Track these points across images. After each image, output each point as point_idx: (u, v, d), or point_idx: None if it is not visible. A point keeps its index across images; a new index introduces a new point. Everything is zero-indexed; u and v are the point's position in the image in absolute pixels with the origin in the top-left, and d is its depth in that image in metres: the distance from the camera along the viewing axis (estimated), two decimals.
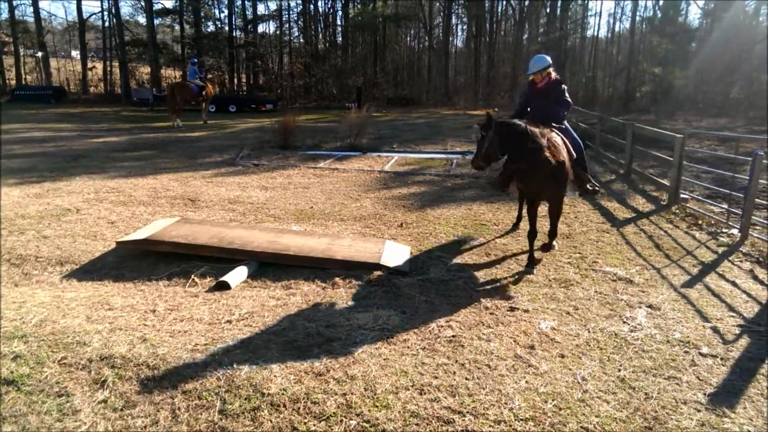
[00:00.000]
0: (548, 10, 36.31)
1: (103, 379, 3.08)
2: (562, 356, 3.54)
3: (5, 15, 34.97)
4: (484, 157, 4.86)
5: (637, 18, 36.18)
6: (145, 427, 2.73)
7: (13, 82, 33.39)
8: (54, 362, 3.22)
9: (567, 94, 5.60)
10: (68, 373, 3.14)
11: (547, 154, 4.94)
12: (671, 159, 8.14)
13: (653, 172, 9.91)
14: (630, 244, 6.12)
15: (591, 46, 40.77)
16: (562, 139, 5.33)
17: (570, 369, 3.38)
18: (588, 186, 5.76)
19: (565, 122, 5.67)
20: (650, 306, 4.41)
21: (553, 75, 5.66)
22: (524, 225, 6.14)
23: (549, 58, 5.70)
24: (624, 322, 4.09)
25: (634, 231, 6.69)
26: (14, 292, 4.46)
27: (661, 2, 33.46)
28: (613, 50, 41.34)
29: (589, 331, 3.92)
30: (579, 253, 5.75)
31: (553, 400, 3.03)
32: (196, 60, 21.00)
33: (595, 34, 43.35)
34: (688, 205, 7.75)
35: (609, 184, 9.75)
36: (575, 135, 5.67)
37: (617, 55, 40.14)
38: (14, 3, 33.23)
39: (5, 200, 7.50)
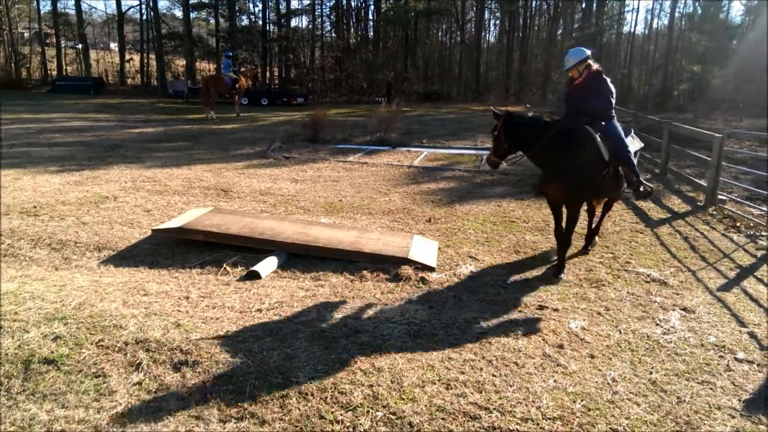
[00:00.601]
0: (583, 6, 35.59)
1: (138, 361, 3.17)
2: (592, 356, 3.50)
3: (48, 8, 36.08)
4: (494, 151, 4.82)
5: (676, 14, 35.21)
6: (178, 410, 2.80)
7: (55, 73, 34.37)
8: (92, 344, 3.33)
9: (608, 85, 4.98)
10: (105, 354, 3.24)
11: (554, 145, 4.67)
12: (709, 159, 7.92)
13: (690, 172, 9.66)
14: (665, 245, 5.99)
15: (627, 42, 39.83)
16: (591, 136, 4.80)
17: (600, 370, 3.34)
18: (640, 188, 5.05)
19: (613, 120, 5.05)
20: (685, 309, 4.31)
21: (594, 66, 5.03)
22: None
23: (587, 51, 5.06)
24: (657, 325, 4.01)
25: (669, 232, 6.54)
26: (55, 276, 4.62)
27: None
28: (649, 47, 40.30)
29: (620, 333, 3.86)
30: (611, 253, 5.66)
31: (582, 400, 2.99)
32: (231, 53, 21.26)
33: (632, 30, 42.26)
34: (725, 206, 7.53)
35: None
36: (620, 132, 5.02)
37: (654, 52, 39.12)
38: None
39: (47, 187, 7.76)
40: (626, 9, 39.70)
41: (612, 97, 5.00)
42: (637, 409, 2.95)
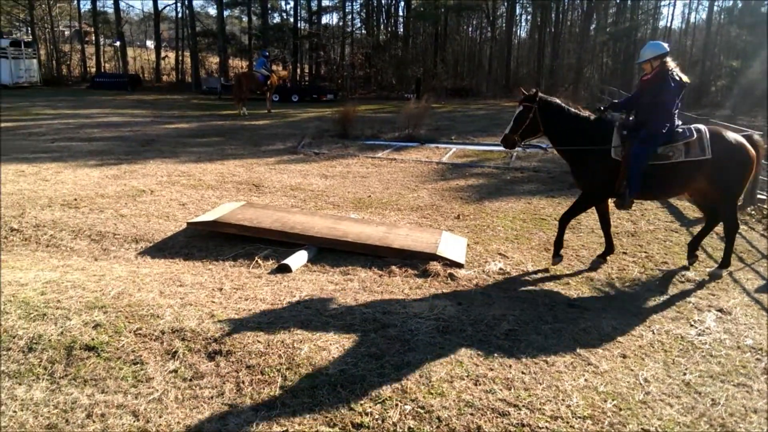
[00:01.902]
0: (618, 0, 34.82)
1: (174, 350, 3.27)
2: (624, 356, 3.46)
3: (88, 6, 37.11)
4: (522, 132, 4.84)
5: (715, 8, 34.11)
6: (212, 397, 2.88)
7: (93, 70, 35.37)
8: (130, 332, 3.44)
9: (665, 92, 4.64)
10: (143, 342, 3.35)
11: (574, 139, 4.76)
12: None
13: None
14: (700, 245, 5.84)
15: (663, 37, 38.78)
16: (621, 138, 4.71)
17: (632, 370, 3.30)
18: (623, 204, 4.90)
19: (651, 134, 4.67)
20: (720, 310, 4.21)
21: (670, 64, 4.70)
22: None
23: (665, 46, 4.78)
24: (691, 325, 3.94)
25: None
26: (94, 266, 4.78)
27: None
28: (686, 42, 39.19)
29: (653, 333, 3.80)
30: (645, 252, 5.56)
31: (613, 400, 2.97)
32: (267, 52, 21.58)
33: (668, 24, 41.18)
34: (765, 206, 7.31)
35: None
36: (642, 154, 4.65)
37: (691, 47, 38.02)
38: None
39: (86, 180, 8.02)
40: (662, 3, 38.73)
41: (668, 106, 4.67)
42: (669, 410, 2.91)
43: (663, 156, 4.69)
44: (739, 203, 4.94)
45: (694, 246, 5.23)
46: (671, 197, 5.33)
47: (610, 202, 5.08)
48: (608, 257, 5.21)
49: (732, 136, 4.77)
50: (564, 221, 5.10)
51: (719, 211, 4.96)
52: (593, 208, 5.17)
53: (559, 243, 5.12)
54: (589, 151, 4.79)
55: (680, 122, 4.84)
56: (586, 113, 4.91)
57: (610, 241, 5.22)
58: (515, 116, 4.88)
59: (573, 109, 4.87)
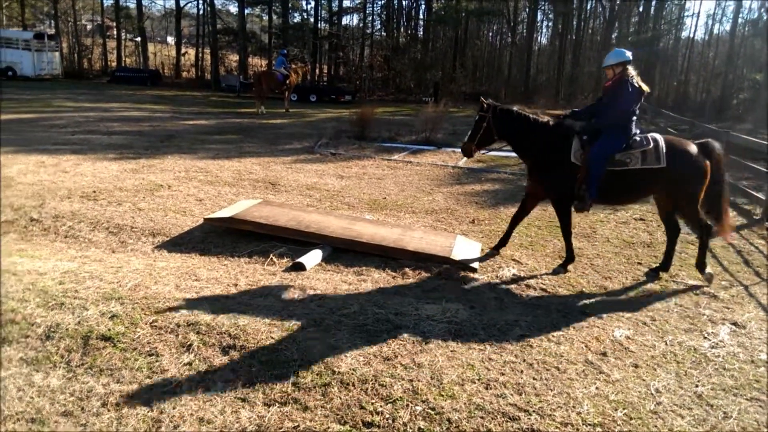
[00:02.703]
0: (641, 9, 34.52)
1: (189, 343, 3.31)
2: (636, 366, 3.44)
3: (111, 1, 37.63)
4: (479, 141, 5.08)
5: (739, 20, 33.69)
6: (225, 391, 2.92)
7: (114, 64, 35.87)
8: (146, 324, 3.49)
9: (624, 97, 4.79)
10: (158, 335, 3.40)
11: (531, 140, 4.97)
12: None
13: (747, 184, 9.26)
14: (716, 258, 5.79)
15: (686, 48, 38.39)
16: (581, 143, 4.86)
17: (643, 380, 3.28)
18: (582, 207, 5.03)
19: (614, 136, 4.82)
20: (735, 323, 4.17)
21: (631, 72, 4.87)
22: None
23: (628, 54, 4.91)
24: (705, 338, 3.91)
25: (721, 244, 6.31)
26: (112, 258, 4.86)
27: (767, 4, 30.97)
28: (709, 53, 38.73)
29: (666, 344, 3.78)
30: (660, 263, 5.50)
31: (623, 409, 2.95)
32: (286, 51, 21.75)
33: (691, 35, 40.64)
34: None
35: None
36: (599, 159, 4.78)
37: (714, 58, 37.56)
38: None
39: (105, 173, 8.14)
40: (686, 14, 38.35)
41: (625, 111, 4.80)
42: (681, 421, 2.89)
43: (620, 162, 4.81)
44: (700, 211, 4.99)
45: (667, 257, 5.25)
46: (630, 203, 5.44)
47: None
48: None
49: (686, 146, 4.88)
50: (566, 234, 5.21)
51: (685, 220, 5.13)
52: (566, 210, 5.20)
53: (570, 252, 5.23)
54: (550, 156, 4.98)
55: (638, 131, 4.95)
56: (544, 119, 5.09)
57: (508, 236, 5.56)
58: (473, 126, 5.12)
59: (531, 116, 5.07)
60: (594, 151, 4.80)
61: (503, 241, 5.56)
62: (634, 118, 4.90)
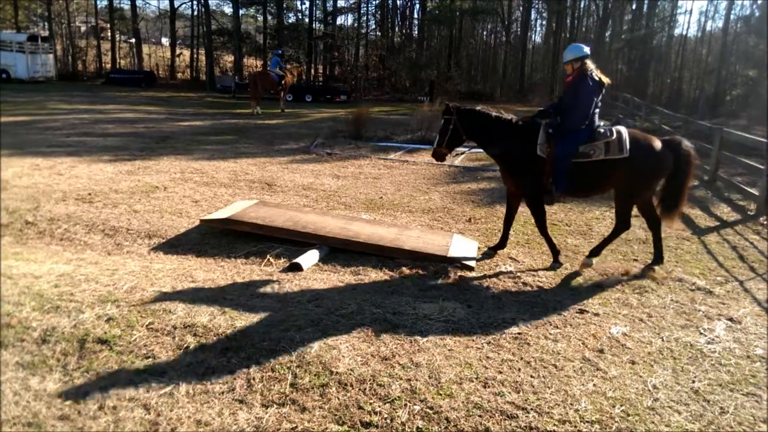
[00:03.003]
0: (634, 7, 34.60)
1: (186, 345, 3.31)
2: (633, 363, 3.45)
3: (105, 3, 37.51)
4: (448, 143, 5.15)
5: (732, 17, 33.78)
6: (222, 392, 2.91)
7: (109, 66, 35.72)
8: (142, 326, 3.48)
9: (583, 91, 4.87)
10: (155, 337, 3.39)
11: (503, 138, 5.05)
12: (762, 167, 7.63)
13: (741, 180, 9.30)
14: (711, 254, 5.82)
15: (679, 45, 38.50)
16: (547, 136, 4.95)
17: (640, 376, 3.29)
18: (548, 198, 5.14)
19: (578, 133, 4.91)
20: (730, 319, 4.19)
21: (590, 66, 4.95)
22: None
23: (585, 49, 5.03)
24: (701, 334, 3.92)
25: (716, 240, 6.35)
26: (107, 260, 4.84)
27: (759, 0, 31.08)
28: (702, 50, 38.83)
29: (662, 340, 3.79)
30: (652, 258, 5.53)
31: (621, 406, 2.96)
32: (281, 51, 21.71)
33: (684, 32, 40.81)
34: None
35: (692, 190, 9.24)
36: (565, 151, 4.88)
37: (707, 55, 37.68)
38: None
39: (101, 175, 8.11)
40: (678, 11, 38.44)
41: (587, 105, 4.87)
42: (678, 417, 2.91)
43: (584, 154, 4.90)
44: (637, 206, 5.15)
45: (657, 250, 5.30)
46: (596, 194, 5.59)
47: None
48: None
49: (650, 139, 4.97)
50: (542, 229, 5.29)
51: (620, 207, 5.17)
52: (539, 205, 5.25)
53: (552, 247, 5.33)
54: (518, 151, 5.06)
55: (602, 122, 5.05)
56: (508, 116, 5.18)
57: (505, 238, 5.56)
58: (439, 130, 5.23)
59: (494, 113, 5.15)
60: (559, 143, 4.90)
61: (501, 244, 5.57)
62: (597, 110, 4.99)
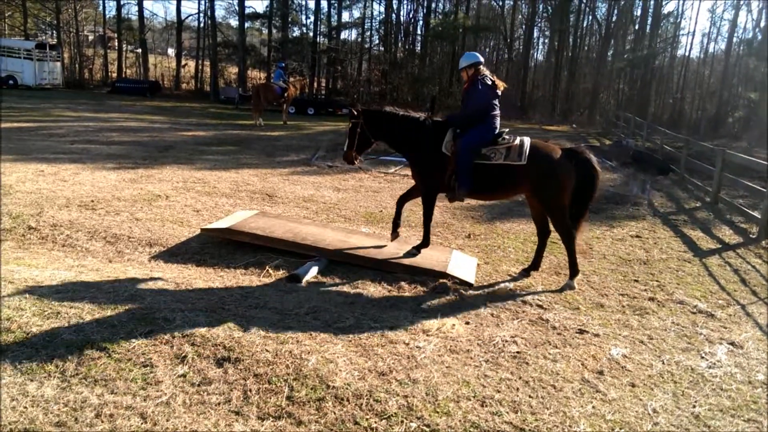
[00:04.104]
0: (636, 27, 34.92)
1: (183, 354, 3.29)
2: (633, 385, 3.43)
3: (113, 13, 37.87)
4: (357, 147, 5.31)
5: (734, 39, 34.12)
6: (219, 403, 2.89)
7: (115, 75, 35.96)
8: (141, 335, 3.47)
9: (476, 95, 5.11)
10: (153, 346, 3.37)
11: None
12: (764, 190, 7.65)
13: (743, 202, 9.32)
14: (713, 277, 5.81)
15: (681, 66, 38.81)
16: (453, 137, 5.14)
17: (640, 399, 3.27)
18: (451, 195, 5.32)
19: (477, 129, 5.10)
20: (732, 343, 4.17)
21: (484, 72, 5.22)
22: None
23: (478, 56, 5.32)
24: (702, 357, 3.90)
25: (718, 263, 6.34)
26: (108, 268, 4.84)
27: (762, 24, 31.39)
28: (704, 71, 39.15)
29: (663, 363, 3.77)
30: (657, 281, 5.53)
31: (620, 429, 2.94)
32: (284, 64, 21.87)
33: (687, 53, 41.12)
34: None
35: (693, 211, 9.27)
36: (466, 151, 5.06)
37: (709, 77, 37.98)
38: (122, 2, 35.90)
39: (104, 183, 8.13)
40: (681, 32, 38.79)
41: (478, 107, 5.11)
42: None
43: (485, 156, 5.07)
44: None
45: (537, 256, 5.50)
46: (499, 199, 5.82)
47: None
48: (423, 249, 5.52)
49: (550, 149, 5.11)
50: (426, 221, 5.51)
51: (551, 221, 5.27)
52: (431, 201, 5.48)
53: (427, 237, 5.54)
54: (424, 148, 5.22)
55: (506, 129, 5.23)
56: (416, 114, 5.35)
57: (427, 237, 5.61)
58: (347, 133, 5.36)
59: (401, 113, 5.34)
60: (461, 142, 5.06)
61: (424, 242, 5.61)
62: (495, 113, 5.17)
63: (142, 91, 30.53)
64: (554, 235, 6.97)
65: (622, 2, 33.59)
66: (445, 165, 5.13)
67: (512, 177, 5.04)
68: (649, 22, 33.88)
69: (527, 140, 5.11)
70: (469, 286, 5.01)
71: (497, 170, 5.05)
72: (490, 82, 5.17)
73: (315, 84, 36.89)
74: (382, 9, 37.94)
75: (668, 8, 37.23)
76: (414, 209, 8.01)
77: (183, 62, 38.24)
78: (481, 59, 5.30)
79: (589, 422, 2.98)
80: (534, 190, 5.09)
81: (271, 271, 5.01)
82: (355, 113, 5.27)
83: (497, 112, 5.21)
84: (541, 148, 5.07)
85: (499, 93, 5.23)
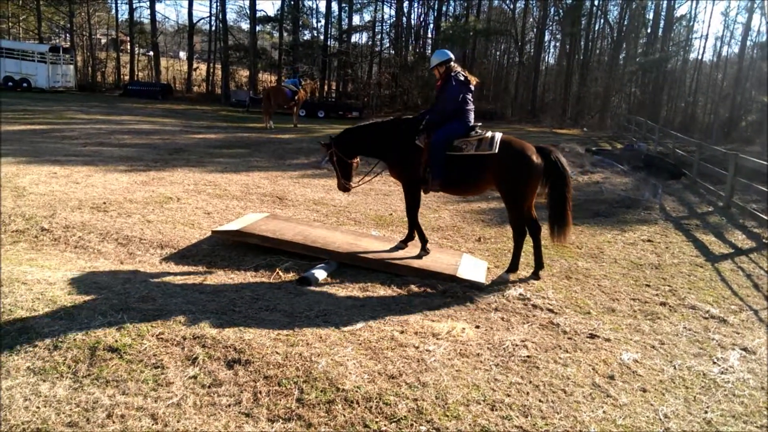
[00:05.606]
0: (649, 30, 34.71)
1: (194, 356, 3.31)
2: (644, 390, 3.40)
3: (125, 16, 38.28)
4: (343, 174, 5.62)
5: (748, 42, 33.82)
6: (229, 405, 2.91)
7: (127, 78, 36.34)
8: (152, 336, 3.50)
9: (448, 90, 5.22)
10: (164, 347, 3.40)
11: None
12: None
13: (756, 207, 9.22)
14: (725, 282, 5.75)
15: (694, 69, 38.51)
16: (427, 134, 5.24)
17: (652, 404, 3.25)
18: (425, 186, 5.44)
19: (450, 125, 5.24)
20: (745, 349, 4.13)
21: (455, 68, 5.33)
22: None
23: (448, 53, 5.42)
24: (714, 363, 3.86)
25: (731, 268, 6.27)
26: (120, 269, 4.88)
27: None
28: (717, 75, 38.84)
29: (674, 368, 3.74)
30: (669, 285, 5.48)
31: None
32: (299, 75, 22.22)
33: (699, 57, 40.80)
34: None
35: (705, 216, 9.18)
36: (439, 142, 5.19)
37: (722, 80, 37.66)
38: (134, 6, 36.29)
39: (116, 185, 8.21)
40: (694, 35, 38.50)
41: (451, 102, 5.21)
42: None
43: (457, 148, 5.19)
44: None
45: (537, 260, 5.51)
46: (473, 192, 5.79)
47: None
48: (410, 242, 5.71)
49: (522, 144, 5.20)
50: (409, 215, 5.64)
51: (508, 213, 5.37)
52: (414, 193, 5.58)
53: (421, 235, 5.67)
54: (400, 143, 5.35)
55: (479, 124, 5.38)
56: (388, 118, 5.58)
57: (411, 231, 5.74)
58: (333, 166, 5.61)
59: (368, 122, 5.60)
60: (435, 135, 5.19)
61: (409, 237, 5.75)
62: (469, 107, 5.30)
63: (154, 94, 30.82)
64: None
65: (635, 5, 33.38)
66: (419, 157, 5.26)
67: (483, 167, 5.14)
68: (661, 25, 33.70)
69: (498, 134, 5.23)
70: (480, 289, 4.99)
71: (469, 161, 5.16)
72: (462, 78, 5.28)
73: (325, 87, 37.03)
74: (393, 12, 37.98)
75: (681, 11, 36.86)
76: (424, 212, 8.00)
77: (194, 65, 38.53)
78: (452, 56, 5.41)
79: (600, 427, 2.96)
80: (499, 180, 5.14)
81: (281, 273, 5.03)
82: (324, 145, 5.51)
83: (471, 106, 5.34)
84: (512, 142, 5.18)
85: (472, 88, 5.35)
